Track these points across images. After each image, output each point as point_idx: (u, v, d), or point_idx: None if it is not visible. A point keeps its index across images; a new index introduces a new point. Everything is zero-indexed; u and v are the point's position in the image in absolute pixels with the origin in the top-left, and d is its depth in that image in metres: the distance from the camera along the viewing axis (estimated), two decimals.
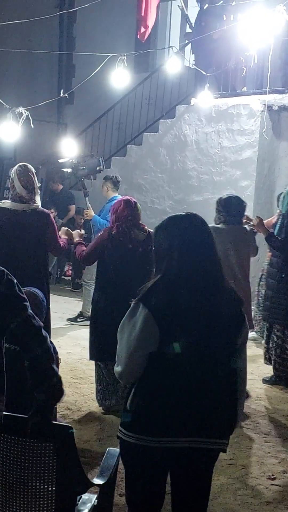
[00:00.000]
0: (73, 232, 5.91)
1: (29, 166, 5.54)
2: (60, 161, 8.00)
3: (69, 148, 8.27)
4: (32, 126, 6.93)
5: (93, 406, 5.66)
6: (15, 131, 6.81)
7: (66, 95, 7.59)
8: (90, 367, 6.20)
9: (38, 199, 5.48)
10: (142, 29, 9.96)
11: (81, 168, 7.77)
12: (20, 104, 7.16)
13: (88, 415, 5.50)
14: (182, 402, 2.72)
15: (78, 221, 11.26)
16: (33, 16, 9.68)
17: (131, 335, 2.71)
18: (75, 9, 10.79)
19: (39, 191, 5.55)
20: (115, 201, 5.82)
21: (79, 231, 6.09)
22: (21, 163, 5.61)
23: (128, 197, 5.59)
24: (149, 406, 2.72)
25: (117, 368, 2.81)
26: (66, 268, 11.93)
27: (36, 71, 13.49)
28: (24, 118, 6.89)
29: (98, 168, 8.46)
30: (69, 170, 7.82)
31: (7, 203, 5.44)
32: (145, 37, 10.19)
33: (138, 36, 10.37)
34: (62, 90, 7.76)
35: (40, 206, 5.48)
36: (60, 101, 11.58)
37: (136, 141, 11.67)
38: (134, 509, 2.90)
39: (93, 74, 7.25)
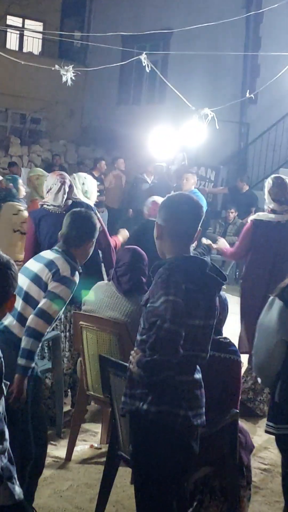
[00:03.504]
0: None
1: (283, 178, 5.27)
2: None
3: (162, 146, 8.38)
4: (217, 127, 7.02)
5: None
6: (201, 131, 6.95)
7: (252, 95, 7.60)
8: None
9: None
10: None
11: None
12: (204, 104, 7.28)
13: None
14: None
15: None
16: (220, 18, 9.79)
17: (269, 328, 2.77)
18: (263, 10, 10.73)
19: None
20: None
21: None
22: (273, 175, 5.39)
23: None
24: None
25: (256, 360, 2.89)
26: None
27: (220, 72, 13.60)
28: (210, 119, 7.01)
29: (182, 163, 9.15)
30: (164, 164, 8.22)
31: (261, 215, 5.30)
32: None
33: None
34: (248, 91, 7.78)
35: None
36: (244, 101, 11.57)
37: None
38: None
39: (281, 73, 7.20)
